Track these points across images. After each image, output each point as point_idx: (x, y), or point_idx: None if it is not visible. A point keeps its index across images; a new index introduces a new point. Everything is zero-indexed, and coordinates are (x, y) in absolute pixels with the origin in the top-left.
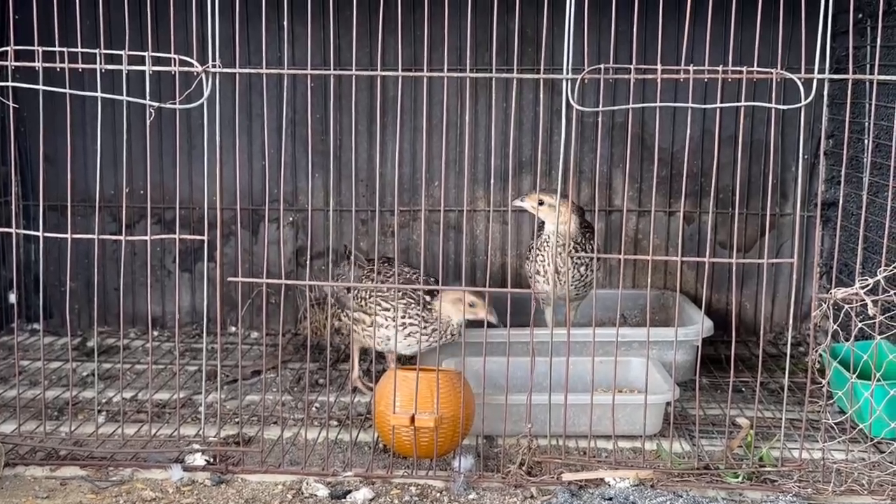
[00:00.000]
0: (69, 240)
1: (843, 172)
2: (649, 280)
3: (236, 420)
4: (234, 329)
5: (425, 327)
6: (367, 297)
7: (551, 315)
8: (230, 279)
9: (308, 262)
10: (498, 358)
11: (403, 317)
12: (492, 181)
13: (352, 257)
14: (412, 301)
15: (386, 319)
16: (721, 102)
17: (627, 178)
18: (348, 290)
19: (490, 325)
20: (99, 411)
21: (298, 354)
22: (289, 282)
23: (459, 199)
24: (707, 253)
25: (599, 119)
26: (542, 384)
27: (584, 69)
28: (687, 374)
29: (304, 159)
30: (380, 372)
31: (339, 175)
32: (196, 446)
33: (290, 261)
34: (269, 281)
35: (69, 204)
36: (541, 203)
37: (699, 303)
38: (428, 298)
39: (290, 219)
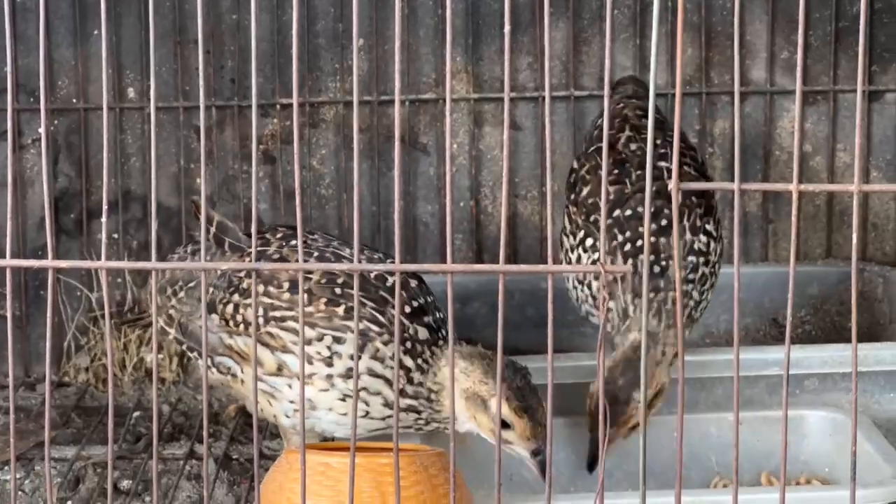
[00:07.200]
0: None
1: None
2: (856, 240)
3: None
4: None
5: (403, 392)
6: (265, 313)
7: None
8: None
9: (84, 223)
10: None
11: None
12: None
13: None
14: (374, 327)
15: (309, 362)
16: None
17: None
18: (219, 287)
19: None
20: None
21: (70, 429)
22: (36, 263)
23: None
24: None
25: None
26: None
27: None
28: None
29: None
30: (268, 458)
31: None
32: None
33: (39, 222)
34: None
35: None
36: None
37: None
38: (418, 335)
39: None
